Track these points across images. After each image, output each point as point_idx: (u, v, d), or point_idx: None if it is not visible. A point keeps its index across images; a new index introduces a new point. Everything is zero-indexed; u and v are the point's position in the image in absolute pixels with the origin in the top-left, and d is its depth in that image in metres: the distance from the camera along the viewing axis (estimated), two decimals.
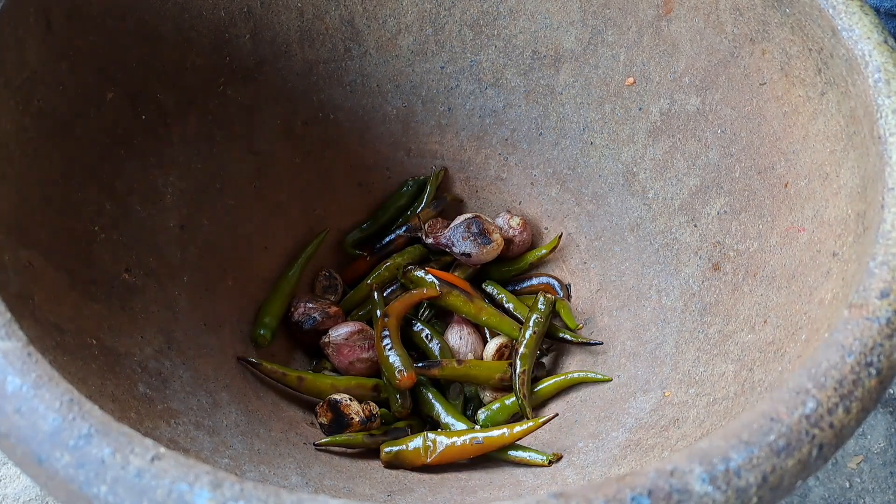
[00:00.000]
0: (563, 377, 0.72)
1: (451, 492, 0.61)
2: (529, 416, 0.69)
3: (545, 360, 0.77)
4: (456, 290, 0.76)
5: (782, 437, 0.37)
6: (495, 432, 0.66)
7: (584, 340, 0.74)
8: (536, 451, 0.65)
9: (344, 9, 0.74)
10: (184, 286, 0.69)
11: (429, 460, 0.66)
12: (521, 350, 0.72)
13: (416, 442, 0.66)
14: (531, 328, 0.73)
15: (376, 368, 0.74)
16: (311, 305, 0.76)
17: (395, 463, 0.66)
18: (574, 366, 0.75)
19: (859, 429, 0.79)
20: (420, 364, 0.71)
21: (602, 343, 0.73)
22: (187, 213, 0.71)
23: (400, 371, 0.69)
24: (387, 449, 0.66)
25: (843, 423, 0.39)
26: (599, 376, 0.70)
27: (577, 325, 0.75)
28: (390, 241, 0.82)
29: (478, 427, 0.70)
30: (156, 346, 0.61)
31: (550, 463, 0.64)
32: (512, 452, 0.66)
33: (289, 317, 0.76)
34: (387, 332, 0.72)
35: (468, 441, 0.65)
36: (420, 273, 0.76)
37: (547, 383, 0.72)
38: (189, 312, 0.68)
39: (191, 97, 0.70)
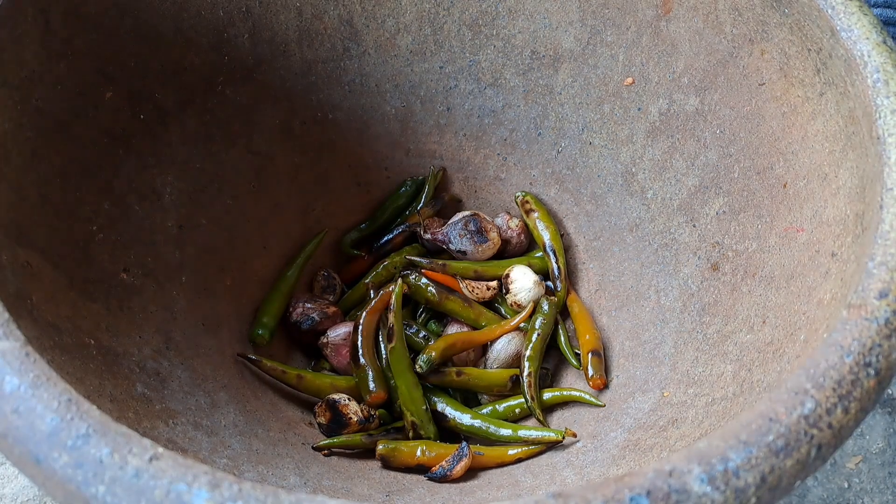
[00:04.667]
0: (559, 392, 0.71)
1: (450, 492, 0.61)
2: (541, 418, 0.69)
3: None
4: (454, 296, 0.76)
5: (781, 437, 0.37)
6: (496, 451, 0.67)
7: (576, 366, 0.73)
8: (549, 430, 0.66)
9: (343, 8, 0.74)
10: (182, 286, 0.68)
11: (424, 460, 0.66)
12: (528, 353, 0.71)
13: (415, 451, 0.66)
14: (536, 331, 0.72)
15: None
16: (309, 305, 0.76)
17: (389, 458, 0.66)
18: (573, 374, 0.74)
19: (858, 429, 0.79)
20: (419, 372, 0.71)
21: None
22: (185, 213, 0.71)
23: (369, 390, 0.69)
24: (381, 445, 0.66)
25: (841, 424, 0.39)
26: (593, 400, 0.69)
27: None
28: (388, 241, 0.82)
29: (477, 423, 0.70)
30: (154, 346, 0.61)
31: (564, 438, 0.65)
32: (523, 433, 0.67)
33: (287, 317, 0.76)
34: (360, 340, 0.71)
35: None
36: (415, 276, 0.76)
37: (544, 396, 0.71)
38: (187, 312, 0.67)
39: (189, 97, 0.70)
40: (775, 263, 0.60)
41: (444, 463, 0.64)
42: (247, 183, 0.76)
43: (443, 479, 0.64)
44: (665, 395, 0.63)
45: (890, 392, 0.84)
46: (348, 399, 0.69)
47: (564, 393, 0.70)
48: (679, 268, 0.69)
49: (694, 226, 0.69)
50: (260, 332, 0.74)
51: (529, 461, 0.66)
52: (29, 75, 0.56)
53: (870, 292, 0.43)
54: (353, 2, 0.74)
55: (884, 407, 0.84)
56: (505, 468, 0.66)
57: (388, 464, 0.66)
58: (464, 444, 0.65)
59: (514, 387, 0.72)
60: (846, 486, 0.79)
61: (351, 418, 0.68)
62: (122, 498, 0.34)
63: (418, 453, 0.66)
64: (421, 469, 0.66)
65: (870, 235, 0.46)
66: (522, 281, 0.76)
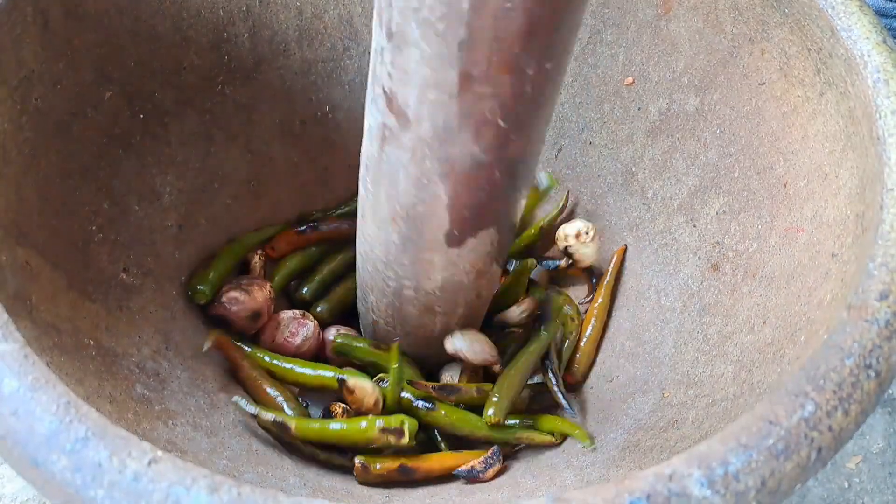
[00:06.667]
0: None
1: (450, 493, 0.61)
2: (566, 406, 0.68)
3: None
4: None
5: (781, 440, 0.37)
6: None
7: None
8: (542, 432, 0.65)
9: (343, 8, 0.74)
10: (182, 286, 0.68)
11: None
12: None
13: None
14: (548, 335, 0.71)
15: (318, 346, 0.71)
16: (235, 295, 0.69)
17: (368, 467, 0.61)
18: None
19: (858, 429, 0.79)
20: (419, 403, 0.65)
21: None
22: (185, 213, 0.71)
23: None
24: (357, 460, 0.61)
25: (841, 426, 0.39)
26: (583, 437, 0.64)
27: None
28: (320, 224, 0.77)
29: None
30: (153, 347, 0.61)
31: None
32: (521, 433, 0.65)
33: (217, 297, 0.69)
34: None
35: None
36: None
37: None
38: (186, 312, 0.67)
39: (189, 96, 0.70)
40: (775, 264, 0.60)
41: (475, 463, 0.61)
42: (246, 183, 0.76)
43: (474, 479, 0.61)
44: (665, 395, 0.62)
45: (890, 392, 0.84)
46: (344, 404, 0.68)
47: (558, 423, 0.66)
48: (679, 268, 0.69)
49: (694, 226, 0.69)
50: (200, 287, 0.68)
51: (530, 463, 0.65)
52: (28, 75, 0.56)
53: (870, 293, 0.42)
54: (353, 1, 0.73)
55: (884, 407, 0.84)
56: (504, 471, 0.65)
57: (368, 474, 0.61)
58: (495, 448, 0.63)
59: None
60: (846, 486, 0.79)
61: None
62: (120, 501, 0.34)
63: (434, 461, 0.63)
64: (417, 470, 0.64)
65: (870, 236, 0.46)
66: (571, 235, 0.73)
